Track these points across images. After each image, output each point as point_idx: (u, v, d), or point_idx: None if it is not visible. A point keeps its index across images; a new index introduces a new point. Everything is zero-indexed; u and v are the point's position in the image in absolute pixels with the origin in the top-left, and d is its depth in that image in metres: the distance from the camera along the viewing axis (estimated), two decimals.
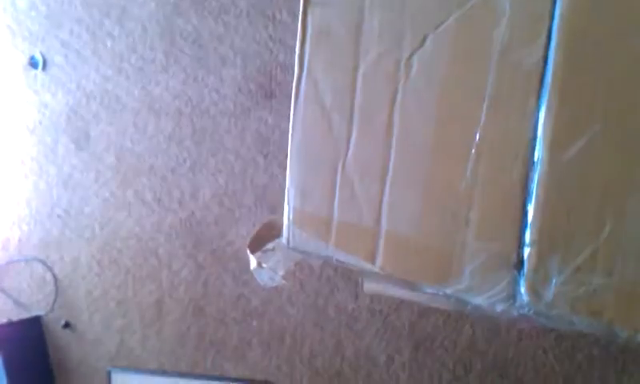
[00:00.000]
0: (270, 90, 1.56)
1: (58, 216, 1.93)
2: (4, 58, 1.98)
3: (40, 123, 1.93)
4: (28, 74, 1.93)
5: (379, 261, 0.79)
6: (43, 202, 1.96)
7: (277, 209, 1.57)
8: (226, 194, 1.65)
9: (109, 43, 1.77)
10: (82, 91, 1.83)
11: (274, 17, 1.52)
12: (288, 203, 0.87)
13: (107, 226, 1.84)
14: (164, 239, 1.75)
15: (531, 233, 0.69)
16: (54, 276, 1.97)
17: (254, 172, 1.60)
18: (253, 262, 0.90)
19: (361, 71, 0.79)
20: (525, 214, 0.70)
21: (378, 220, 0.79)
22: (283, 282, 0.90)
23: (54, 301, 1.98)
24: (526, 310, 0.72)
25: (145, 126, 1.73)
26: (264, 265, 0.89)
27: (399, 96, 0.76)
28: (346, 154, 0.81)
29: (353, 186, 0.81)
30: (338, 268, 1.50)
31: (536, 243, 0.69)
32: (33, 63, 1.92)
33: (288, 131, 0.86)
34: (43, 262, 1.98)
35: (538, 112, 0.68)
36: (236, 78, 1.59)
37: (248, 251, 0.91)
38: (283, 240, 0.88)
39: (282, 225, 0.89)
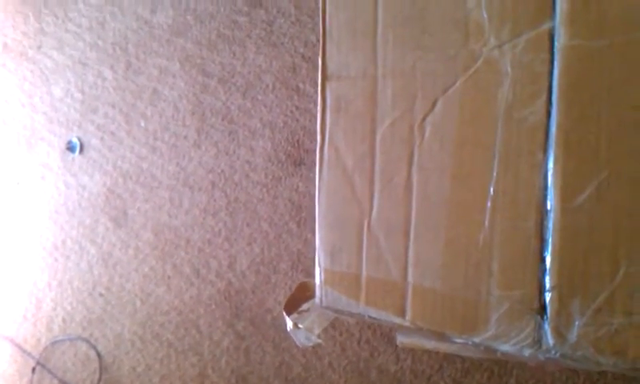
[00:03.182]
0: (300, 158, 1.60)
1: (100, 294, 1.97)
2: (43, 144, 2.07)
3: (79, 205, 1.99)
4: (66, 158, 2.01)
5: (409, 314, 0.82)
6: (84, 281, 2.00)
7: (312, 273, 1.59)
8: (262, 262, 1.67)
9: (142, 123, 1.84)
10: (118, 171, 1.90)
11: (297, 88, 1.58)
12: (319, 264, 0.91)
13: (148, 300, 1.87)
14: (204, 311, 1.77)
15: (551, 278, 0.72)
16: (98, 353, 1.99)
17: (288, 238, 1.63)
18: (289, 323, 0.93)
19: (378, 136, 0.83)
20: (543, 260, 0.72)
21: (404, 275, 0.82)
22: (319, 341, 0.93)
23: (99, 378, 2.00)
24: (552, 353, 0.73)
25: (180, 200, 1.78)
26: (300, 325, 0.92)
27: (415, 157, 0.80)
28: (370, 213, 0.84)
29: (379, 243, 0.84)
30: (377, 330, 1.51)
31: (556, 288, 0.71)
32: (70, 147, 1.99)
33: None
34: (87, 341, 2.01)
35: (547, 164, 0.71)
36: (266, 149, 1.64)
37: (284, 313, 0.94)
38: (317, 300, 0.92)
39: (315, 286, 0.93)
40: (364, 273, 0.85)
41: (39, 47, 2.06)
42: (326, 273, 0.90)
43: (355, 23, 0.84)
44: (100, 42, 1.91)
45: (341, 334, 1.55)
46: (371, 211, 0.84)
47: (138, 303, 1.89)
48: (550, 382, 1.31)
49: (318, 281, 0.91)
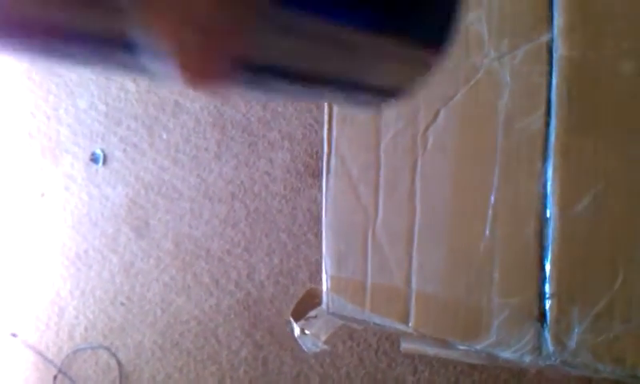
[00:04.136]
0: (318, 170, 1.62)
1: (121, 303, 2.00)
2: (67, 155, 2.11)
3: (102, 215, 2.02)
4: (90, 169, 2.05)
5: (412, 321, 0.83)
6: (106, 290, 2.03)
7: None
8: (280, 272, 1.69)
9: (164, 135, 1.87)
10: (140, 182, 1.93)
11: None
12: (325, 271, 0.92)
13: (168, 310, 1.90)
14: (223, 320, 1.79)
15: (550, 285, 0.73)
16: (119, 362, 2.02)
17: (306, 249, 1.65)
18: (296, 329, 0.95)
19: (382, 146, 0.84)
20: (543, 268, 0.73)
21: (408, 281, 0.83)
22: (325, 347, 0.94)
23: None
24: (553, 359, 0.74)
25: (201, 211, 1.81)
26: (307, 331, 0.94)
27: (419, 166, 0.81)
28: (375, 221, 0.86)
29: (383, 250, 0.85)
30: (394, 342, 1.52)
31: (556, 295, 0.72)
32: (94, 159, 2.03)
33: None
34: (108, 349, 2.04)
35: (546, 173, 0.72)
36: (285, 160, 1.66)
37: (291, 319, 0.96)
38: (323, 306, 0.93)
39: (322, 292, 0.94)
40: (369, 279, 0.87)
41: None
42: (333, 279, 0.91)
43: None
44: None
45: (358, 345, 1.56)
46: (376, 219, 0.86)
47: (159, 312, 1.92)
48: None
49: (324, 287, 0.93)
